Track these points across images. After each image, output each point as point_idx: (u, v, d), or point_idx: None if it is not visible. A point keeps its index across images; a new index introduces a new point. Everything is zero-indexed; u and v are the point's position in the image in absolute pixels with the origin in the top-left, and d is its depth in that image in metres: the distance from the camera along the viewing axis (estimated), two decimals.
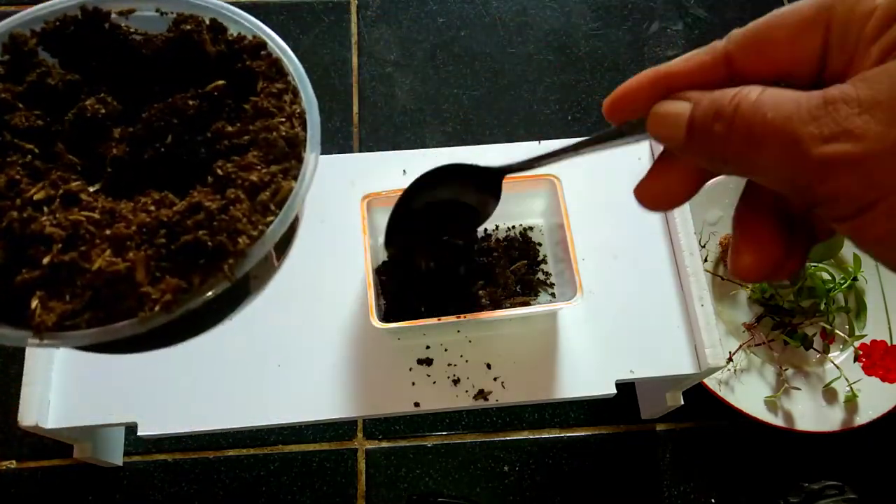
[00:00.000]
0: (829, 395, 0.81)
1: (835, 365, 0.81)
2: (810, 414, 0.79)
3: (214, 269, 0.29)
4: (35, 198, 0.30)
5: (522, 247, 0.69)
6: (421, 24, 1.06)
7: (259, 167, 0.31)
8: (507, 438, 0.82)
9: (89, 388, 0.61)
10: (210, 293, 0.29)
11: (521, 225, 0.70)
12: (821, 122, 0.21)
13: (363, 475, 0.80)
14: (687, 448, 0.82)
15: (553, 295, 0.67)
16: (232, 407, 0.62)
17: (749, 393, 0.80)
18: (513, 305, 0.64)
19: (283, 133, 0.32)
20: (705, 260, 0.86)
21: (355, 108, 0.99)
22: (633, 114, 0.28)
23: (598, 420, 0.84)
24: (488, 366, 0.64)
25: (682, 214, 0.68)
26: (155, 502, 0.78)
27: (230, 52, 0.35)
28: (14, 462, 0.79)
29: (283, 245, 0.33)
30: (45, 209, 0.30)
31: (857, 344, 0.82)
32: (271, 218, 0.30)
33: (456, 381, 0.63)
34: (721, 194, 0.88)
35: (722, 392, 0.79)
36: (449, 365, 0.64)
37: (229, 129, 0.33)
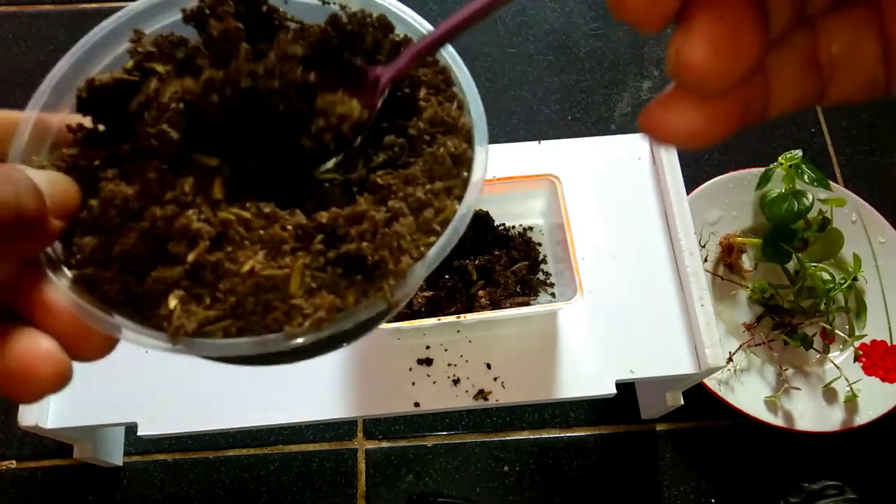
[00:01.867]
0: (829, 395, 0.81)
1: (835, 365, 0.81)
2: (810, 414, 0.79)
3: (373, 287, 0.26)
4: (185, 189, 0.26)
5: (522, 247, 0.69)
6: None
7: (423, 182, 0.28)
8: (507, 438, 0.82)
9: (89, 388, 0.61)
10: (363, 315, 0.26)
11: (521, 225, 0.70)
12: None
13: (363, 475, 0.80)
14: (687, 448, 0.82)
15: (553, 295, 0.67)
16: (232, 407, 0.62)
17: (749, 393, 0.80)
18: (513, 305, 0.64)
19: (452, 149, 0.29)
20: (705, 260, 0.86)
21: None
22: None
23: (598, 420, 0.84)
24: (488, 366, 0.64)
25: (682, 214, 0.68)
26: (155, 502, 0.78)
27: (394, 56, 0.31)
28: (14, 462, 0.79)
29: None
30: (192, 201, 0.27)
31: (857, 344, 0.82)
32: (433, 238, 0.27)
33: (456, 381, 0.63)
34: (721, 194, 0.88)
35: (722, 392, 0.79)
36: (449, 365, 0.64)
37: (392, 138, 0.30)
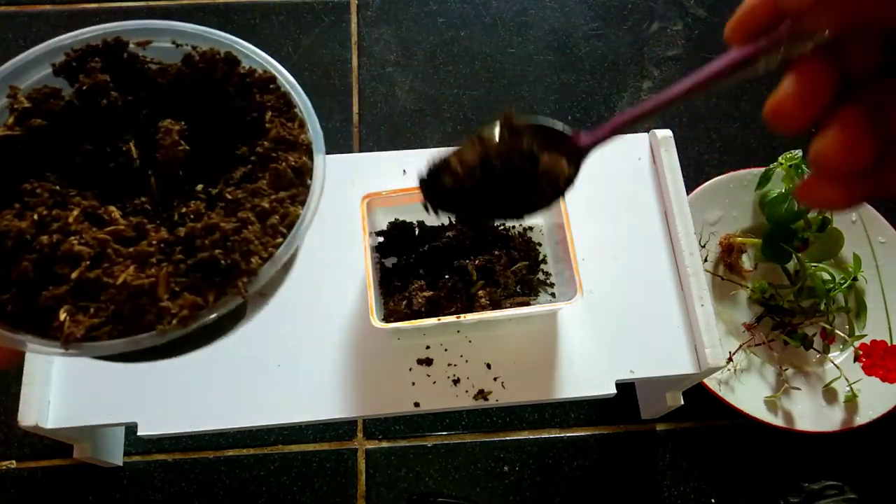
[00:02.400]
0: (829, 395, 0.81)
1: (835, 365, 0.81)
2: (810, 414, 0.79)
3: (228, 286, 0.30)
4: (69, 220, 0.31)
5: (522, 247, 0.69)
6: (421, 24, 1.06)
7: (269, 193, 0.33)
8: (507, 438, 0.82)
9: (89, 388, 0.61)
10: (223, 309, 0.30)
11: (520, 225, 0.70)
12: None
13: (363, 475, 0.80)
14: (687, 448, 0.82)
15: (553, 295, 0.67)
16: (232, 407, 0.62)
17: (749, 393, 0.80)
18: (513, 305, 0.64)
19: (292, 163, 0.34)
20: (705, 260, 0.86)
21: (355, 108, 0.99)
22: (765, 21, 0.26)
23: (598, 420, 0.84)
24: (488, 366, 0.64)
25: (682, 214, 0.68)
26: (155, 502, 0.78)
27: (241, 85, 0.37)
28: (14, 462, 0.79)
29: (288, 264, 0.35)
30: (74, 228, 0.31)
31: (857, 344, 0.82)
32: (280, 240, 0.32)
33: (456, 381, 0.63)
34: (721, 194, 0.88)
35: (722, 392, 0.79)
36: (449, 365, 0.64)
37: (245, 154, 0.35)
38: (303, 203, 0.33)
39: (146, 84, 0.36)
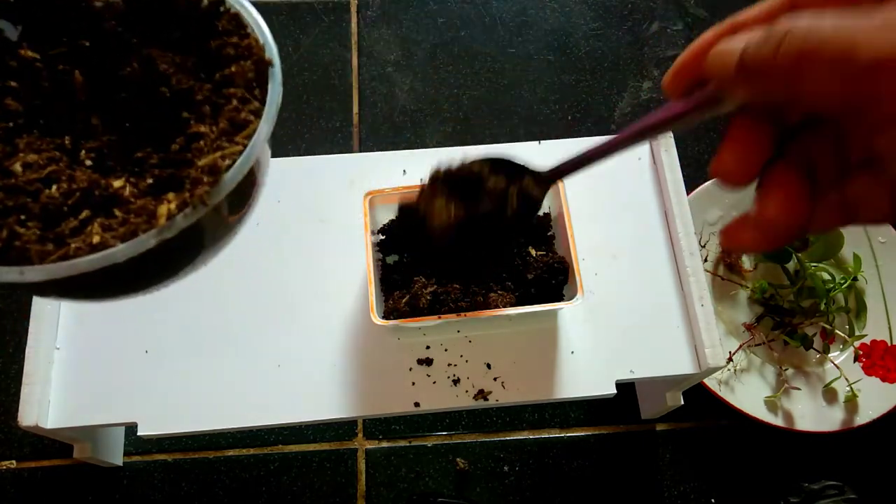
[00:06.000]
0: (829, 395, 0.81)
1: (835, 365, 0.81)
2: (810, 414, 0.79)
3: (188, 192, 0.29)
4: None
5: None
6: (421, 24, 1.06)
7: (231, 103, 0.32)
8: (507, 438, 0.82)
9: (89, 388, 0.61)
10: (180, 221, 0.28)
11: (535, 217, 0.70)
12: (870, 27, 0.21)
13: (363, 475, 0.80)
14: (687, 448, 0.82)
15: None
16: (232, 407, 0.62)
17: (749, 393, 0.80)
18: (512, 305, 0.63)
19: (248, 71, 0.33)
20: (705, 260, 0.86)
21: (355, 108, 0.99)
22: (696, 78, 0.27)
23: (598, 420, 0.84)
24: (488, 366, 0.64)
25: (682, 214, 0.68)
26: (155, 502, 0.78)
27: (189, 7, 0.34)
28: (14, 462, 0.79)
29: (239, 200, 0.33)
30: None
31: (857, 344, 0.82)
32: (239, 148, 0.31)
33: (456, 381, 0.63)
34: (721, 194, 0.88)
35: (722, 392, 0.79)
36: (449, 365, 0.64)
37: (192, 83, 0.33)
38: (259, 116, 0.32)
39: (93, 24, 0.33)
